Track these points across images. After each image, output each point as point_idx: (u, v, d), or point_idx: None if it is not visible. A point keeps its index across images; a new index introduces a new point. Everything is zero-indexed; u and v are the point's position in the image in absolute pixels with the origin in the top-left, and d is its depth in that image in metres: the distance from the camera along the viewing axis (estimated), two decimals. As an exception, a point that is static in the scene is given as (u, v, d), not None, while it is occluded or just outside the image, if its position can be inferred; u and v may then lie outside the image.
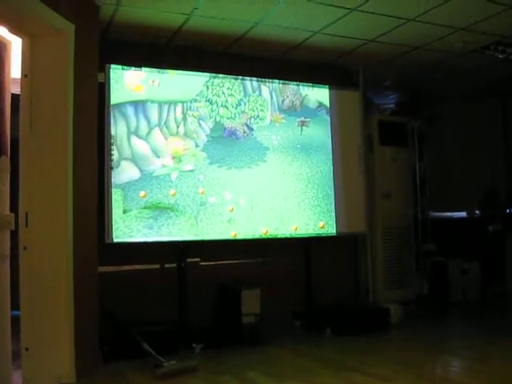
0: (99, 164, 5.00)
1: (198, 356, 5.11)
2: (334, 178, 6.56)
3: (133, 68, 5.60)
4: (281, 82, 6.37)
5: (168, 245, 5.63)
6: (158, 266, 5.79)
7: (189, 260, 5.77)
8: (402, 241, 7.05)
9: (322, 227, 6.41)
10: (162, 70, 5.74)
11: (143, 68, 5.64)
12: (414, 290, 7.16)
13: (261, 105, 6.23)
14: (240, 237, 5.93)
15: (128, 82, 5.57)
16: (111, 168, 5.36)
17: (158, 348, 4.70)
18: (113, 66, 5.49)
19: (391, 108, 8.00)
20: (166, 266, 5.80)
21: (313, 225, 6.35)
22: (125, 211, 5.41)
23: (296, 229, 6.22)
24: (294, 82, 6.46)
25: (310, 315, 6.36)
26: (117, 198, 5.38)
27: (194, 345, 5.30)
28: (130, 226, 5.41)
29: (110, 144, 5.39)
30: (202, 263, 5.93)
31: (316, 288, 6.52)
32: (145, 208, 5.49)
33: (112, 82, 5.48)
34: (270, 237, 6.10)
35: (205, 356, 5.13)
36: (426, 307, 7.17)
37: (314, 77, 6.67)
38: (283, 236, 6.17)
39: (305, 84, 6.52)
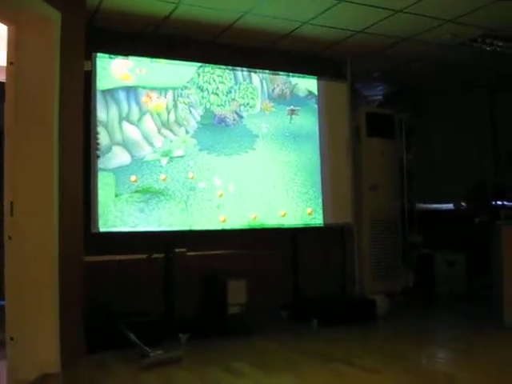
0: (86, 154, 4.97)
1: (184, 347, 5.11)
2: (321, 169, 6.58)
3: (120, 57, 5.57)
4: (269, 72, 6.38)
5: (155, 235, 5.62)
6: (145, 256, 5.76)
7: (176, 250, 5.75)
8: (388, 233, 7.06)
9: (310, 213, 6.46)
10: (149, 59, 5.72)
11: (130, 57, 5.62)
12: (401, 282, 7.19)
13: (251, 93, 6.28)
14: (229, 222, 5.97)
15: (115, 71, 5.54)
16: (97, 157, 5.36)
17: (145, 338, 4.67)
18: (99, 54, 5.46)
19: (379, 100, 8.00)
20: (153, 256, 5.77)
21: (301, 211, 6.42)
22: (116, 195, 5.46)
23: (284, 214, 6.28)
24: (283, 72, 6.47)
25: (297, 306, 6.37)
26: (109, 182, 5.44)
27: (181, 335, 5.30)
28: (121, 210, 5.47)
29: (96, 133, 5.38)
30: (188, 253, 5.91)
31: (303, 279, 6.53)
32: (136, 192, 5.55)
33: (99, 70, 5.46)
34: (257, 226, 6.14)
35: (191, 346, 5.12)
36: (413, 299, 7.20)
37: (303, 67, 6.66)
38: (271, 225, 6.21)
39: (293, 74, 6.53)
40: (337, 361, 4.54)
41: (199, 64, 5.99)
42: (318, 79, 6.69)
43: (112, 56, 5.53)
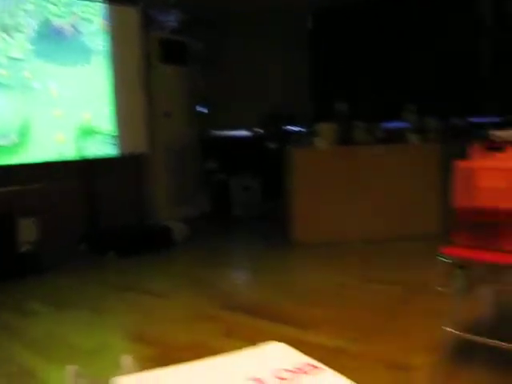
0: None
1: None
2: (115, 97, 6.48)
3: None
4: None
5: None
6: None
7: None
8: (184, 160, 7.11)
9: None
10: None
11: None
12: (198, 208, 7.33)
13: (92, 8, 6.31)
14: (64, 118, 6.07)
15: None
16: None
17: None
18: None
19: (174, 26, 7.81)
20: None
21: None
22: None
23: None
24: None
25: (95, 238, 6.24)
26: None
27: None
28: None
29: None
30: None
31: (101, 210, 6.40)
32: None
33: None
34: (50, 160, 5.96)
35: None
36: (210, 224, 7.41)
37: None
38: (66, 158, 6.08)
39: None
40: (133, 290, 4.61)
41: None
42: (106, 3, 6.46)
43: None
